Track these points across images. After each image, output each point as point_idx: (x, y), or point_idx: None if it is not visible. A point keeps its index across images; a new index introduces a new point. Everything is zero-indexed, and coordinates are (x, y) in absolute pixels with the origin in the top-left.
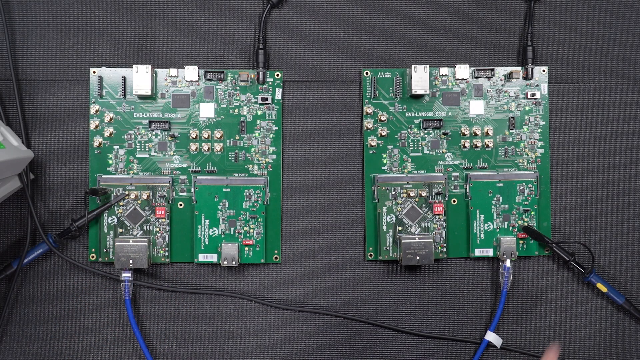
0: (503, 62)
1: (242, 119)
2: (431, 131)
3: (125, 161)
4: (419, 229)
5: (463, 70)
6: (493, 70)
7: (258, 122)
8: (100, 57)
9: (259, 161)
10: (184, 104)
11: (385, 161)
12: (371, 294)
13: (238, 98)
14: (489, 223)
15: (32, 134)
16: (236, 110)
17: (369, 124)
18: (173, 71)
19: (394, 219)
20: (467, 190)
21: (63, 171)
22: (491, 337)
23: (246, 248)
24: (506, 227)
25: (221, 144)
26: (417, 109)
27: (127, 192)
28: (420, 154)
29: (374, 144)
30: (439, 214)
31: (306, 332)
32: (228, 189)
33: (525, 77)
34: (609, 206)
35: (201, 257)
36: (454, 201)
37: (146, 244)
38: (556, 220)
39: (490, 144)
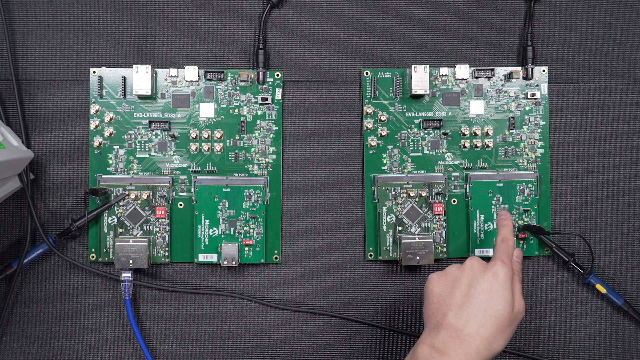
0: (503, 62)
1: (242, 119)
2: (431, 131)
3: (125, 161)
4: (419, 229)
5: (463, 70)
6: (493, 70)
7: (258, 122)
8: (100, 57)
9: (259, 161)
10: (184, 104)
11: (385, 161)
12: (371, 294)
13: (238, 98)
14: (489, 223)
15: (32, 134)
16: (236, 110)
17: (369, 124)
18: (173, 71)
19: (394, 219)
20: (467, 190)
21: (63, 171)
22: None
23: (246, 248)
24: None
25: (221, 144)
26: (417, 109)
27: (127, 192)
28: (420, 154)
29: (374, 144)
30: (439, 214)
31: (306, 332)
32: (228, 189)
33: (525, 77)
34: (609, 206)
35: (201, 257)
36: (454, 201)
37: (146, 244)
38: (556, 220)
39: (490, 144)
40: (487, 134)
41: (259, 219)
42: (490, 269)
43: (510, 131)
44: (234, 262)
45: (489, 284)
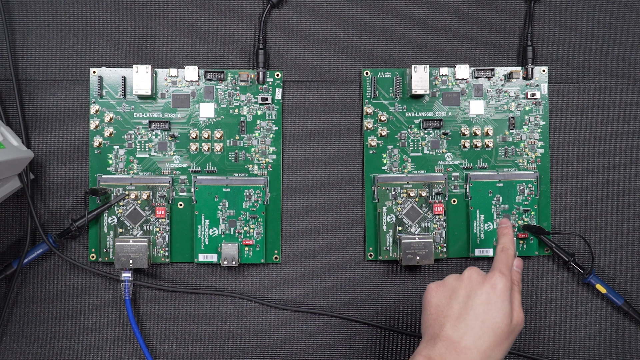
0: (503, 62)
1: (242, 119)
2: (431, 131)
3: (125, 161)
4: (419, 229)
5: (463, 70)
6: (493, 70)
7: (258, 122)
8: (100, 57)
9: (259, 161)
10: (184, 104)
11: (385, 161)
12: (371, 294)
13: (238, 98)
14: (489, 223)
15: (32, 134)
16: (236, 110)
17: (369, 124)
18: (173, 71)
19: (394, 219)
20: (467, 190)
21: (63, 171)
22: None
23: (246, 248)
24: None
25: (221, 144)
26: (417, 109)
27: (127, 192)
28: (420, 154)
29: (374, 144)
30: (439, 214)
31: (306, 332)
32: (228, 189)
33: (525, 77)
34: (609, 206)
35: (201, 257)
36: (454, 201)
37: (146, 244)
38: (556, 220)
39: (490, 144)
40: (487, 134)
41: (259, 219)
42: (489, 280)
43: (510, 131)
44: (234, 262)
45: (487, 295)
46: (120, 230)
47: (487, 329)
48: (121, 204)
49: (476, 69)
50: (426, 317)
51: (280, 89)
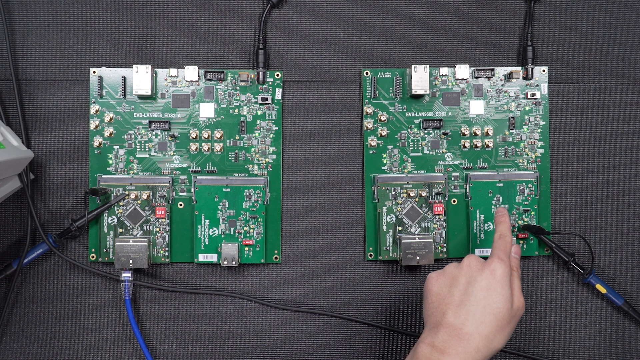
0: (503, 62)
1: (242, 119)
2: (431, 131)
3: (125, 161)
4: (419, 229)
5: (463, 70)
6: (493, 70)
7: (258, 122)
8: (100, 57)
9: (259, 161)
10: (184, 104)
11: (385, 161)
12: (371, 294)
13: (238, 98)
14: (489, 223)
15: (32, 134)
16: (236, 110)
17: (369, 124)
18: (173, 71)
19: (394, 219)
20: (467, 190)
21: (63, 171)
22: None
23: (246, 248)
24: None
25: (221, 144)
26: (417, 109)
27: (127, 192)
28: (420, 154)
29: (374, 144)
30: (439, 214)
31: (306, 332)
32: (228, 189)
33: (525, 77)
34: (609, 206)
35: (201, 257)
36: (454, 201)
37: (146, 244)
38: (556, 220)
39: (490, 144)
40: (487, 134)
41: (259, 219)
42: (488, 266)
43: (510, 131)
44: (234, 262)
45: (486, 281)
46: (120, 230)
47: (488, 314)
48: (121, 204)
49: (476, 69)
50: (428, 305)
51: (280, 89)
